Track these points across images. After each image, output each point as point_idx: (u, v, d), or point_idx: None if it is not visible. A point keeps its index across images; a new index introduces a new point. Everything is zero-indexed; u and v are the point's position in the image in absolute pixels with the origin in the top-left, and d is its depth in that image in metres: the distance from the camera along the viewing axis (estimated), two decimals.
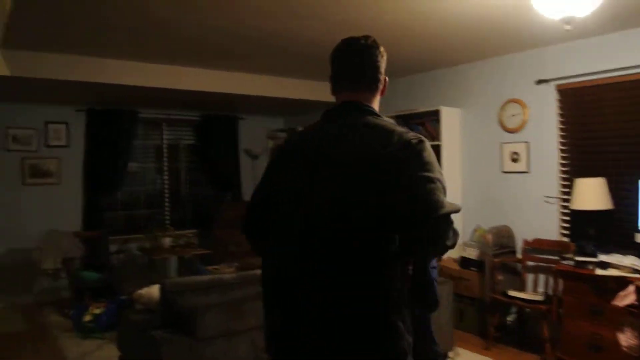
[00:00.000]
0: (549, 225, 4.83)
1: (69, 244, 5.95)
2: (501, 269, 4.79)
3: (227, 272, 4.79)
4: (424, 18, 3.96)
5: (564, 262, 4.25)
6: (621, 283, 3.64)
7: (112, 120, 6.89)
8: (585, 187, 4.26)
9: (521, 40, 4.63)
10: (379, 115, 1.71)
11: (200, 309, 3.01)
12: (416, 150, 1.55)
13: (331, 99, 1.78)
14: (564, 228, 4.76)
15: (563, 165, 4.78)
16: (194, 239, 7.30)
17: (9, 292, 6.32)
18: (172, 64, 5.46)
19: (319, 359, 1.61)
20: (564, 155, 4.78)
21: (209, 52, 4.96)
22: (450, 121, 5.57)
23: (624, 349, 3.20)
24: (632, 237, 4.06)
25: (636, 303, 3.36)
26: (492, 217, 5.32)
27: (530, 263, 4.80)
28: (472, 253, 5.03)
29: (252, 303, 3.11)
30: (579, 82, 4.58)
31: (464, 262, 5.10)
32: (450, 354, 4.42)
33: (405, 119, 6.01)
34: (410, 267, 1.65)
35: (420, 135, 1.61)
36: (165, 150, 7.71)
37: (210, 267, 5.62)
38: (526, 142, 5.03)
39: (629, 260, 3.82)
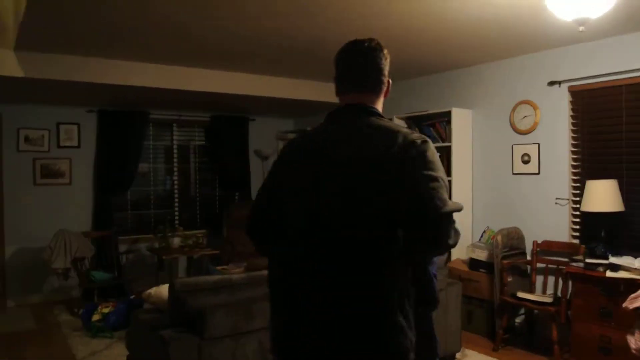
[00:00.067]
0: (559, 227, 4.80)
1: (79, 244, 5.99)
2: (510, 271, 4.77)
3: (235, 272, 4.81)
4: (437, 19, 3.95)
5: (574, 264, 4.22)
6: (632, 285, 3.62)
7: (123, 121, 6.93)
8: (597, 189, 4.23)
9: (534, 41, 4.60)
10: (383, 117, 1.72)
11: (209, 309, 3.02)
12: (420, 149, 1.56)
13: None
14: (575, 230, 4.73)
15: (574, 167, 4.75)
16: (203, 239, 7.33)
17: (19, 291, 6.38)
18: (183, 65, 5.49)
19: (320, 359, 1.61)
20: (575, 157, 4.75)
21: (220, 53, 4.98)
22: (461, 122, 5.55)
23: (634, 351, 3.17)
24: None
25: None
26: (502, 218, 5.29)
27: (539, 265, 4.78)
28: (481, 254, 5.01)
29: (261, 304, 3.12)
30: (592, 84, 4.56)
31: (473, 263, 5.08)
32: (458, 355, 4.41)
33: (417, 120, 6.01)
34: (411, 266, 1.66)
35: (424, 136, 1.62)
36: (175, 150, 7.75)
37: (219, 267, 5.64)
38: (537, 143, 5.00)
39: (639, 263, 3.79)
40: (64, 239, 5.86)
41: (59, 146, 6.66)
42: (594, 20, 3.38)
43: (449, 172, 5.52)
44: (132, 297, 5.46)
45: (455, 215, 1.52)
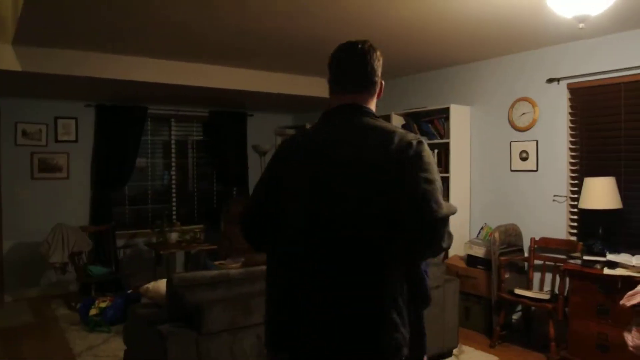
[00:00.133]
0: (557, 224, 4.81)
1: (77, 238, 5.98)
2: (508, 268, 4.77)
3: (233, 267, 4.81)
4: (437, 17, 3.94)
5: (571, 261, 4.23)
6: (629, 283, 3.62)
7: (121, 116, 6.91)
8: (595, 187, 4.24)
9: (533, 38, 4.60)
10: (377, 117, 1.74)
11: (207, 303, 3.02)
12: (417, 150, 1.58)
13: None
14: (572, 227, 4.74)
15: (572, 164, 4.75)
16: (201, 234, 7.33)
17: (17, 286, 6.37)
18: (183, 60, 5.47)
19: (319, 358, 1.63)
20: (573, 154, 4.75)
21: (219, 49, 4.97)
22: (460, 119, 5.55)
23: (631, 349, 3.18)
24: None
25: None
26: (500, 215, 5.30)
27: (537, 262, 4.79)
28: (479, 251, 5.02)
29: (258, 299, 3.11)
30: (591, 81, 4.55)
31: (471, 260, 5.09)
32: (455, 352, 4.42)
33: (415, 117, 6.00)
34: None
35: (419, 136, 1.65)
36: (173, 146, 7.74)
37: (216, 262, 5.64)
38: (535, 140, 5.00)
39: (637, 260, 3.79)
40: (62, 234, 5.85)
41: (56, 140, 6.65)
42: (593, 18, 3.38)
43: (447, 169, 5.52)
44: (129, 291, 5.46)
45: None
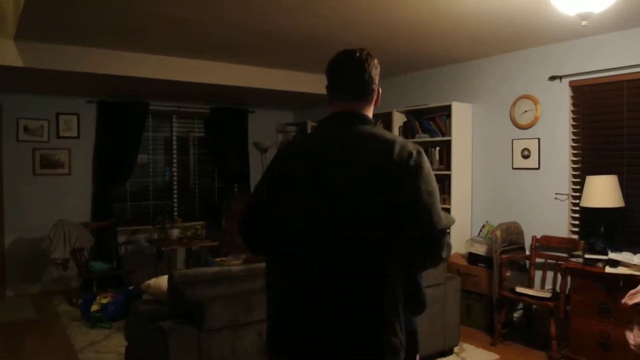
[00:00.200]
0: (558, 223, 4.80)
1: (79, 234, 5.99)
2: (509, 266, 4.77)
3: (234, 264, 4.81)
4: (440, 13, 3.93)
5: (573, 259, 4.23)
6: (631, 281, 3.62)
7: (122, 112, 6.91)
8: (597, 185, 4.23)
9: (536, 36, 4.59)
10: (375, 124, 1.77)
11: (208, 300, 3.02)
12: (418, 162, 1.60)
13: None
14: (574, 225, 4.73)
15: (574, 162, 4.74)
16: (202, 231, 7.34)
17: (19, 281, 6.39)
18: (185, 57, 5.47)
19: (319, 358, 1.63)
20: (575, 152, 4.74)
21: (220, 45, 4.96)
22: (462, 116, 5.54)
23: (632, 347, 3.18)
24: None
25: None
26: (502, 213, 5.29)
27: (538, 260, 4.78)
28: (480, 249, 5.01)
29: (259, 295, 3.12)
30: (593, 79, 4.54)
31: (472, 258, 5.09)
32: (456, 349, 4.42)
33: (417, 114, 6.00)
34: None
35: (418, 146, 1.67)
36: (174, 142, 7.74)
37: (217, 259, 5.65)
38: (537, 138, 4.99)
39: (639, 259, 3.79)
40: (63, 230, 5.86)
41: (58, 136, 6.65)
42: (596, 15, 3.37)
43: (448, 166, 5.52)
44: (130, 287, 5.47)
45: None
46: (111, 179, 6.90)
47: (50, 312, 5.70)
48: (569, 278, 4.23)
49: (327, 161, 1.66)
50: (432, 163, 5.72)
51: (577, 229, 4.70)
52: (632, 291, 3.26)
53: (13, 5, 4.13)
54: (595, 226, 4.34)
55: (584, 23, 3.26)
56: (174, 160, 7.73)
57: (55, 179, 6.63)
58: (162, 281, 3.54)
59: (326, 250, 1.60)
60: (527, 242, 4.97)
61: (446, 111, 5.58)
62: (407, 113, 6.11)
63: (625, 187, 4.27)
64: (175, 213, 7.57)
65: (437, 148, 5.70)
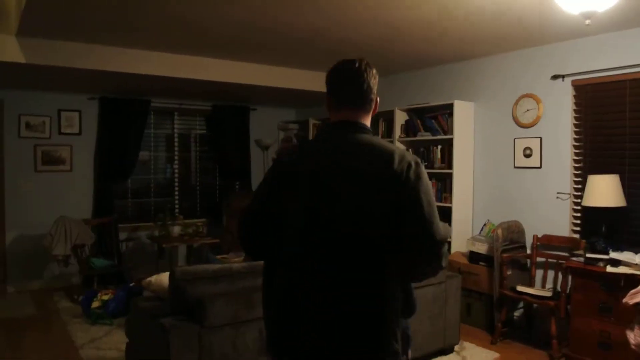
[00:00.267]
0: (560, 222, 4.80)
1: (80, 231, 5.99)
2: (510, 264, 4.77)
3: (235, 262, 4.81)
4: (443, 11, 3.92)
5: (574, 258, 4.23)
6: (632, 281, 3.61)
7: (124, 109, 6.91)
8: (598, 184, 4.22)
9: (539, 35, 4.58)
10: (373, 133, 1.80)
11: (209, 297, 3.02)
12: (417, 172, 1.63)
13: None
14: (575, 225, 4.73)
15: (576, 161, 4.74)
16: (203, 228, 7.34)
17: (19, 277, 6.39)
18: (187, 54, 5.47)
19: (319, 358, 1.64)
20: (577, 151, 4.73)
21: (222, 42, 4.95)
22: (464, 115, 5.54)
23: (633, 347, 3.17)
24: None
25: None
26: (503, 212, 5.29)
27: (539, 259, 4.78)
28: (481, 248, 5.01)
29: (260, 293, 3.11)
30: (596, 78, 4.53)
31: (473, 256, 5.09)
32: (457, 348, 4.43)
33: (419, 112, 5.99)
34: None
35: (416, 156, 1.70)
36: (176, 139, 7.74)
37: (219, 256, 5.64)
38: (539, 137, 4.99)
39: None
40: (65, 226, 5.86)
41: (60, 133, 6.65)
42: (600, 14, 3.36)
43: (450, 165, 5.52)
44: (131, 284, 5.47)
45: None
46: (112, 176, 6.90)
47: (51, 308, 5.71)
48: (569, 277, 4.23)
49: (327, 163, 1.68)
50: (433, 161, 5.73)
51: (578, 228, 4.70)
52: (633, 291, 3.26)
53: (15, 2, 4.12)
54: (596, 225, 4.34)
55: (587, 22, 3.25)
56: (176, 158, 7.73)
57: (57, 175, 6.63)
58: (163, 278, 3.54)
59: (326, 250, 1.61)
60: (528, 241, 4.96)
61: (448, 109, 5.57)
62: (409, 111, 6.10)
63: (627, 187, 4.26)
64: (177, 210, 7.58)
65: (439, 146, 5.70)
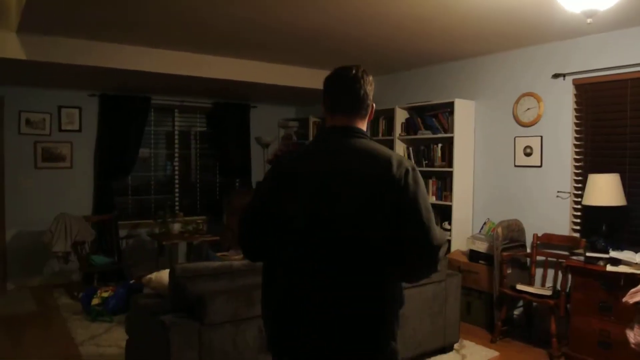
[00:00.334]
0: (560, 221, 4.80)
1: (80, 228, 6.00)
2: (510, 263, 4.78)
3: (235, 259, 4.81)
4: (444, 10, 3.92)
5: (574, 257, 4.23)
6: (632, 280, 3.62)
7: (124, 106, 6.91)
8: (599, 183, 4.22)
9: (540, 33, 4.57)
10: (370, 138, 1.83)
11: (210, 294, 3.02)
12: (415, 178, 1.66)
13: None
14: (575, 223, 4.73)
15: (577, 160, 4.74)
16: (203, 226, 7.34)
17: (20, 274, 6.40)
18: (186, 51, 5.46)
19: (319, 358, 1.66)
20: (578, 150, 4.73)
21: (223, 39, 4.95)
22: (464, 113, 5.53)
23: (633, 346, 3.18)
24: None
25: None
26: (503, 210, 5.29)
27: (539, 258, 4.78)
28: (481, 246, 5.01)
29: (261, 290, 3.12)
30: (597, 77, 4.53)
31: (473, 255, 5.09)
32: (456, 346, 4.43)
33: (419, 111, 5.99)
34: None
35: (412, 162, 1.74)
36: (176, 136, 7.73)
37: (219, 254, 5.65)
38: (540, 136, 4.98)
39: None
40: (65, 223, 5.87)
41: (60, 130, 6.65)
42: (601, 13, 3.36)
43: (450, 163, 5.51)
44: (131, 281, 5.47)
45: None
46: (113, 173, 6.90)
47: (51, 305, 5.71)
48: (569, 276, 4.23)
49: (327, 165, 1.71)
50: (434, 160, 5.73)
51: (578, 227, 4.70)
52: (633, 290, 3.26)
53: None
54: (596, 224, 4.34)
55: (589, 21, 3.25)
56: (176, 155, 7.73)
57: (57, 172, 6.63)
58: (164, 275, 3.55)
59: (326, 251, 1.63)
60: (528, 240, 4.96)
61: (449, 108, 5.57)
62: (410, 109, 6.10)
63: (628, 186, 4.26)
64: (177, 207, 7.58)
65: (439, 145, 5.70)
